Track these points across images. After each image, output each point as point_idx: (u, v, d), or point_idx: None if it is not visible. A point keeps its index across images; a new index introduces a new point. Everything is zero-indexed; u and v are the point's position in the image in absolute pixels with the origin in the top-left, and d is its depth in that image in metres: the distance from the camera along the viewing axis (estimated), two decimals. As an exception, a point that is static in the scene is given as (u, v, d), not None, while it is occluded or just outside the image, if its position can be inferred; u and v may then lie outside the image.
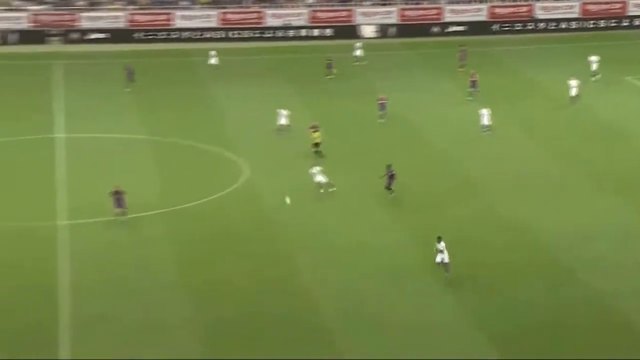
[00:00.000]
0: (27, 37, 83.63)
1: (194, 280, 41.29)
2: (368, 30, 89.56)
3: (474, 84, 67.75)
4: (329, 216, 47.97)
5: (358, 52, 78.57)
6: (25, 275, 41.62)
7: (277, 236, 45.89)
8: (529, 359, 34.93)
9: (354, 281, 40.85)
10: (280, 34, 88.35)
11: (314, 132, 55.60)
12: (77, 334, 36.56)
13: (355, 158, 56.01)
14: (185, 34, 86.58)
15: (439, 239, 40.13)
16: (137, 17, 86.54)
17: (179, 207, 49.02)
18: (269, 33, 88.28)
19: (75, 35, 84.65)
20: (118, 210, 46.24)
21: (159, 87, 72.34)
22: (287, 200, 39.30)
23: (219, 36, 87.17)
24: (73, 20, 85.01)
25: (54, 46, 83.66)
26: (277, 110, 59.43)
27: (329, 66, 74.57)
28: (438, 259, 40.20)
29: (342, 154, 56.71)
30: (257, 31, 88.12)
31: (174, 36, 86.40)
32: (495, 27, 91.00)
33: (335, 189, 49.69)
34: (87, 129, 61.77)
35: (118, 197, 46.02)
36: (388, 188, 49.39)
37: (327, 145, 56.29)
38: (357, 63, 77.93)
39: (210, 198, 50.28)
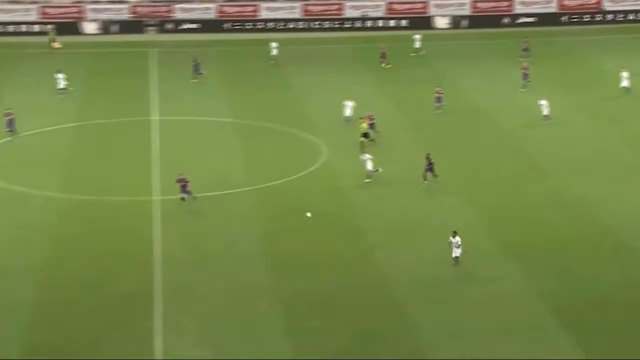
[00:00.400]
0: (127, 27, 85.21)
1: (275, 253, 41.90)
2: (441, 22, 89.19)
3: (525, 75, 67.11)
4: (402, 197, 48.18)
5: (417, 44, 78.20)
6: (124, 246, 42.63)
7: (353, 214, 46.30)
8: (594, 333, 34.94)
9: (425, 258, 41.08)
10: (358, 24, 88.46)
11: (363, 122, 55.17)
12: (168, 302, 37.30)
13: (428, 144, 55.99)
14: (270, 25, 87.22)
15: (455, 234, 39.68)
16: (226, 9, 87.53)
17: (262, 185, 49.67)
18: (348, 24, 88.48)
19: (169, 26, 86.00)
20: (183, 196, 46.33)
21: (244, 74, 73.16)
22: (308, 214, 38.14)
23: (301, 27, 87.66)
24: (168, 12, 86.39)
25: (150, 35, 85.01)
26: (343, 102, 59.14)
27: (383, 55, 74.37)
28: (454, 253, 39.68)
29: (414, 140, 56.89)
30: (337, 22, 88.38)
31: (260, 26, 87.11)
32: (564, 18, 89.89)
33: (371, 180, 49.15)
34: (179, 112, 62.79)
35: (183, 184, 46.14)
36: (431, 173, 48.87)
37: (398, 130, 56.48)
38: (415, 54, 77.63)
39: (291, 177, 50.84)
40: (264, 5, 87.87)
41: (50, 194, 47.92)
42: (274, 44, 75.65)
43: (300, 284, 39.24)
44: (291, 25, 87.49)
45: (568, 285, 38.54)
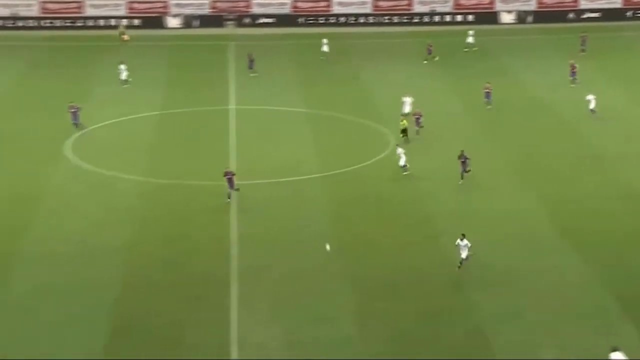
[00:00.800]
0: (207, 21, 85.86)
1: (345, 236, 41.87)
2: (507, 17, 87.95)
3: (573, 73, 65.69)
4: (465, 186, 47.70)
5: (470, 39, 77.08)
6: (202, 228, 42.95)
7: (420, 201, 46.03)
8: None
9: (488, 243, 40.60)
10: (426, 19, 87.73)
11: (403, 119, 54.33)
12: (243, 281, 37.52)
13: (489, 135, 55.43)
14: (342, 19, 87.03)
15: (463, 236, 37.88)
16: (300, 4, 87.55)
17: (333, 172, 49.67)
18: (416, 19, 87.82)
19: (247, 20, 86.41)
20: (230, 191, 44.93)
21: (316, 67, 73.12)
22: (327, 247, 37.06)
23: (371, 21, 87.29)
24: (246, 7, 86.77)
25: (229, 29, 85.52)
26: (402, 98, 57.94)
27: (429, 51, 73.51)
28: (462, 255, 37.79)
29: (477, 130, 56.33)
30: (406, 17, 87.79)
31: (332, 21, 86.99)
32: (629, 13, 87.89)
33: (408, 173, 48.29)
34: (254, 102, 63.01)
35: (229, 177, 44.94)
36: (465, 171, 47.26)
37: (459, 121, 56.08)
38: (467, 50, 76.53)
39: (360, 165, 50.74)
40: (336, 0, 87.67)
41: (135, 178, 48.55)
42: (324, 41, 74.73)
43: (369, 266, 39.17)
44: (362, 20, 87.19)
45: (630, 274, 37.73)
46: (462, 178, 47.31)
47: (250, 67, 69.32)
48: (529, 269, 38.37)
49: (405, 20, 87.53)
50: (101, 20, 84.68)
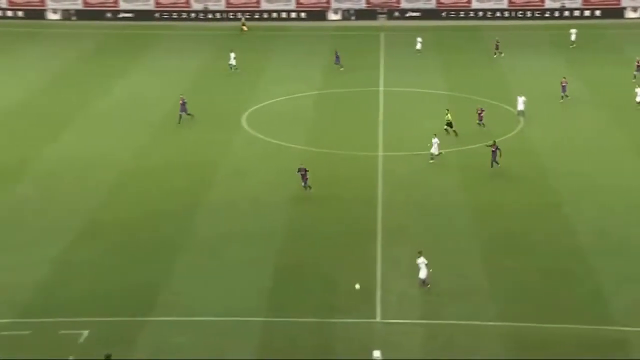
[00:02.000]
0: (363, 14, 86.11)
1: (477, 202, 41.65)
2: (632, 13, 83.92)
3: (638, 68, 61.70)
4: (586, 161, 46.35)
5: (573, 37, 73.37)
6: (353, 191, 43.43)
7: (544, 173, 45.11)
8: None
9: (605, 211, 39.66)
10: (556, 14, 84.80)
11: (448, 113, 50.79)
12: (387, 238, 37.88)
13: (616, 117, 53.45)
14: (480, 14, 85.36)
15: (419, 254, 33.31)
16: (444, 0, 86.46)
17: (468, 147, 49.16)
18: (547, 13, 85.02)
19: (396, 14, 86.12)
20: (304, 186, 41.84)
21: (457, 53, 72.10)
22: (357, 286, 32.54)
23: (506, 16, 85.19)
24: (397, 2, 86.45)
25: (380, 22, 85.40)
26: (517, 97, 54.57)
27: (497, 47, 70.38)
28: (421, 275, 32.86)
29: (598, 114, 54.32)
30: (538, 12, 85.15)
31: (471, 15, 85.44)
32: None
33: (433, 161, 45.70)
34: (401, 85, 62.82)
35: (302, 173, 41.84)
36: (495, 161, 44.25)
37: (586, 101, 54.13)
38: (572, 46, 73.19)
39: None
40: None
41: (298, 147, 49.49)
42: (419, 39, 71.66)
43: (498, 228, 38.85)
44: (498, 14, 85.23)
45: None
46: (491, 166, 44.38)
47: (337, 63, 65.98)
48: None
49: (538, 15, 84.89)
50: (274, 13, 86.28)
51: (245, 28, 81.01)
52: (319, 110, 57.38)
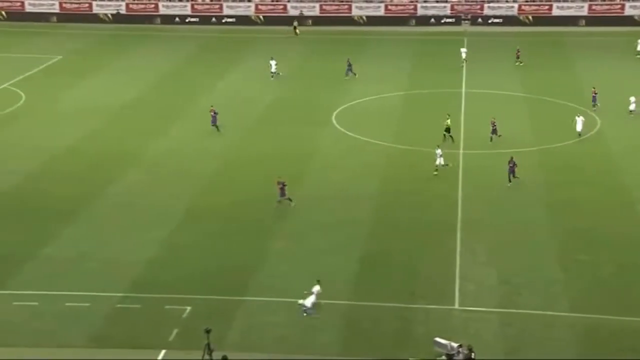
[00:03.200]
0: (447, 20, 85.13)
1: (554, 198, 40.74)
2: None
3: None
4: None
5: (639, 47, 70.39)
6: (435, 185, 42.95)
7: (619, 173, 43.78)
8: None
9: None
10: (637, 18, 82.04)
11: (448, 119, 48.78)
12: (465, 230, 37.39)
13: None
14: (562, 21, 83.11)
15: (317, 282, 30.77)
16: (525, 7, 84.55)
17: (546, 146, 48.11)
18: (628, 21, 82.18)
19: (480, 20, 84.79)
20: (280, 199, 39.28)
21: (535, 58, 70.28)
22: (306, 293, 30.59)
23: (584, 23, 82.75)
24: (480, 9, 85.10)
25: (464, 27, 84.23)
26: (575, 117, 49.80)
27: (518, 56, 67.72)
28: (307, 303, 30.05)
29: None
30: (618, 20, 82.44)
31: (553, 22, 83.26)
32: None
33: (437, 173, 43.18)
34: (481, 86, 61.86)
35: (281, 187, 39.40)
36: (513, 176, 41.45)
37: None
38: (637, 56, 70.10)
39: (570, 142, 48.86)
40: (556, 5, 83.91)
41: (383, 143, 49.38)
42: (463, 49, 68.84)
43: (572, 223, 37.96)
44: (578, 21, 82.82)
45: None
46: (509, 181, 41.76)
47: (349, 71, 63.62)
48: None
49: (617, 22, 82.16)
50: (433, 19, 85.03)
51: (297, 31, 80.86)
52: (405, 110, 57.03)
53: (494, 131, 48.39)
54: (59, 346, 28.68)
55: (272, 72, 64.16)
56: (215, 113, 51.24)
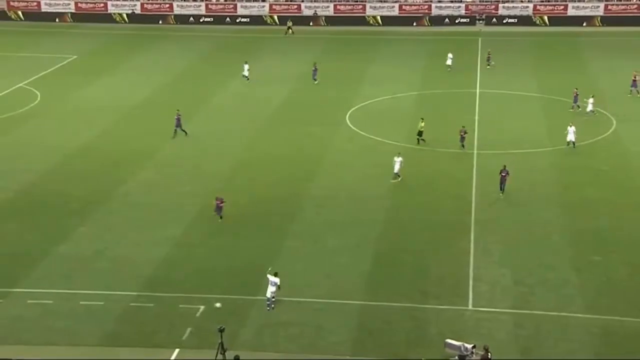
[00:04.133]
0: (461, 20, 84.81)
1: (569, 198, 40.48)
2: None
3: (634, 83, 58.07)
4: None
5: None
6: (448, 185, 42.83)
7: (634, 174, 43.39)
8: None
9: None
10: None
11: (422, 122, 48.20)
12: (479, 230, 37.23)
13: None
14: (576, 21, 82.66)
15: (275, 274, 30.67)
16: (539, 7, 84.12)
17: (560, 147, 47.80)
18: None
19: (494, 20, 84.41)
20: (216, 215, 38.03)
21: (550, 58, 70.02)
22: (217, 305, 30.19)
23: (600, 22, 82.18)
24: (494, 9, 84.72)
25: (478, 27, 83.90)
26: (568, 127, 48.93)
27: (488, 59, 67.01)
28: (269, 293, 30.19)
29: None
30: (635, 19, 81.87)
31: (567, 22, 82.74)
32: None
33: (399, 179, 42.25)
34: (495, 87, 61.56)
35: (218, 203, 38.08)
36: (502, 188, 40.14)
37: None
38: None
39: (586, 142, 48.49)
40: (571, 5, 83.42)
41: (395, 143, 49.12)
42: (450, 55, 66.94)
43: (586, 224, 37.66)
44: (589, 21, 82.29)
45: None
46: (501, 192, 40.36)
47: (314, 77, 62.59)
48: None
49: (632, 22, 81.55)
50: (447, 19, 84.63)
51: (291, 31, 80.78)
52: (417, 110, 56.80)
53: (462, 138, 47.28)
54: (72, 344, 28.76)
55: (243, 76, 63.15)
56: (179, 117, 50.26)
